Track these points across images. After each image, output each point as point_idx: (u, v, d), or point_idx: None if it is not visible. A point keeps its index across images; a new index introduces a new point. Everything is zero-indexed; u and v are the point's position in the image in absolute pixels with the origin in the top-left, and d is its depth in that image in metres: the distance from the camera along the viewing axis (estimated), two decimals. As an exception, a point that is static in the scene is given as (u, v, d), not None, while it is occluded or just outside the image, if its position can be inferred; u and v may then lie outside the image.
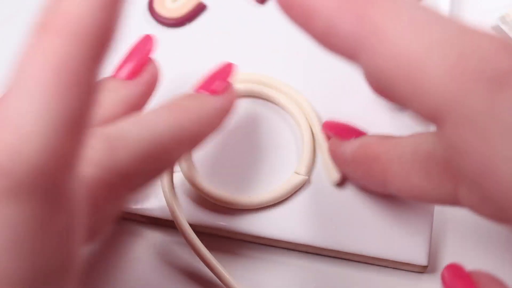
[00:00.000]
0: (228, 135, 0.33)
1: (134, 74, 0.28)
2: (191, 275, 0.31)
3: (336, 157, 0.30)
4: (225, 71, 0.29)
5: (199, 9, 0.36)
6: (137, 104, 0.28)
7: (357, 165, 0.28)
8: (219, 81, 0.28)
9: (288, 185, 0.31)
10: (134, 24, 0.37)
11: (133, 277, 0.31)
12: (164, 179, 0.31)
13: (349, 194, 0.31)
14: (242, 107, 0.34)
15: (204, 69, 0.35)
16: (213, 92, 0.27)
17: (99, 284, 0.31)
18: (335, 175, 0.31)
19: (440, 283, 0.30)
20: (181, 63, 0.35)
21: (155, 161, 0.24)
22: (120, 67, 0.28)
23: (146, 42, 0.29)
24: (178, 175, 0.32)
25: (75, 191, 0.18)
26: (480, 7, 0.37)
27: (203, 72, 0.35)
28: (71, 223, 0.18)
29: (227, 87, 0.28)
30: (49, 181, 0.16)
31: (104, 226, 0.24)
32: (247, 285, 0.31)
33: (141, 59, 0.28)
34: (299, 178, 0.31)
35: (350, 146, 0.28)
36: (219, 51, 0.35)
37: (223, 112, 0.28)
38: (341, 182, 0.31)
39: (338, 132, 0.30)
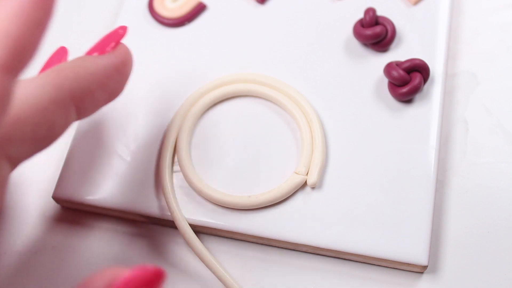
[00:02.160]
0: (228, 135, 0.33)
1: None
2: (191, 275, 0.31)
3: None
4: (116, 34, 0.28)
5: (199, 9, 0.36)
6: None
7: None
8: (108, 42, 0.28)
9: (288, 185, 0.31)
10: (134, 24, 0.37)
11: (133, 277, 0.31)
12: (164, 179, 0.31)
13: (349, 194, 0.31)
14: (242, 107, 0.34)
15: (204, 69, 0.35)
16: (101, 53, 0.27)
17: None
18: (313, 179, 0.31)
19: (440, 284, 0.30)
20: (181, 63, 0.35)
21: (34, 126, 0.23)
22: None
23: (60, 54, 0.29)
24: (178, 175, 0.32)
25: None
26: (480, 7, 0.37)
27: (203, 71, 0.35)
28: None
29: (116, 46, 0.28)
30: None
31: None
32: (247, 285, 0.31)
33: None
34: (299, 178, 0.31)
35: None
36: (219, 51, 0.35)
37: (113, 70, 0.27)
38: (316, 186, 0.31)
39: None
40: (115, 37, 0.28)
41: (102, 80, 0.26)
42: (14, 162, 0.23)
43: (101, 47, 0.27)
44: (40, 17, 0.19)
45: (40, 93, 0.24)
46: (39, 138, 0.24)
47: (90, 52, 0.27)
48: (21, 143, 0.23)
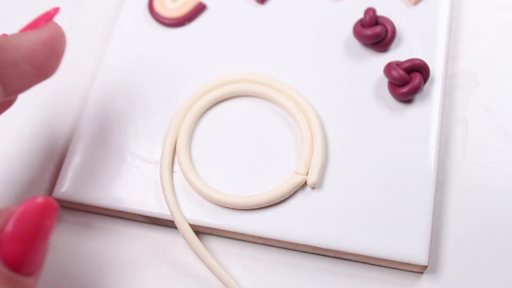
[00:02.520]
0: (228, 135, 0.33)
1: None
2: (191, 275, 0.31)
3: None
4: (47, 14, 0.28)
5: (199, 9, 0.37)
6: None
7: None
8: (39, 21, 0.28)
9: (288, 185, 0.31)
10: (134, 24, 0.37)
11: (133, 277, 0.31)
12: (164, 179, 0.31)
13: (349, 194, 0.31)
14: (242, 107, 0.34)
15: (204, 68, 0.35)
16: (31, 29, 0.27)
17: (99, 284, 0.31)
18: (313, 179, 0.31)
19: (440, 284, 0.30)
20: (181, 63, 0.35)
21: None
22: None
23: None
24: (178, 175, 0.32)
25: None
26: (480, 7, 0.37)
27: (203, 71, 0.35)
28: None
29: (45, 24, 0.28)
30: None
31: None
32: (247, 285, 0.31)
33: None
34: (299, 178, 0.31)
35: None
36: (219, 51, 0.35)
37: (40, 44, 0.27)
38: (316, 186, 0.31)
39: None
40: (46, 17, 0.28)
41: (27, 53, 0.26)
42: None
43: (32, 26, 0.28)
44: None
45: None
46: None
47: (22, 31, 0.27)
48: None
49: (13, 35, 0.26)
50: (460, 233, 0.31)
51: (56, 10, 0.28)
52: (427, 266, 0.30)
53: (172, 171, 0.32)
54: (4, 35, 0.29)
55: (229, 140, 0.33)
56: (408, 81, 0.32)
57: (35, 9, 0.40)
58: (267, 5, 0.37)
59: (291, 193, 0.31)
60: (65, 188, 0.32)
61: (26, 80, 0.26)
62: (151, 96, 0.34)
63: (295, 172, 0.31)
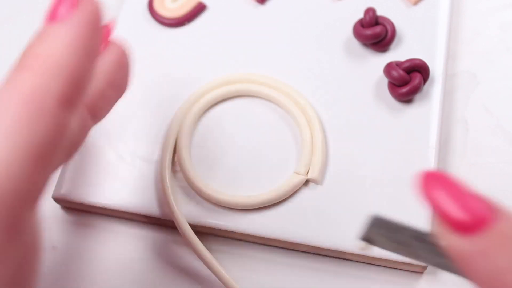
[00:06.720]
0: (228, 135, 0.33)
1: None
2: (191, 275, 0.31)
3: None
4: (107, 30, 0.26)
5: (199, 9, 0.37)
6: None
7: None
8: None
9: (288, 185, 0.31)
10: (134, 24, 0.37)
11: (133, 277, 0.31)
12: (164, 179, 0.31)
13: (349, 195, 0.31)
14: (242, 107, 0.34)
15: (204, 68, 0.35)
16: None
17: (99, 284, 0.31)
18: (313, 179, 0.31)
19: (439, 284, 0.30)
20: (181, 63, 0.35)
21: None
22: None
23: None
24: (178, 175, 0.32)
25: (33, 225, 0.18)
26: (480, 7, 0.37)
27: (204, 71, 0.35)
28: (28, 254, 0.18)
29: (110, 43, 0.26)
30: (6, 213, 0.17)
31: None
32: (247, 285, 0.31)
33: None
34: (299, 178, 0.31)
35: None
36: (219, 51, 0.35)
37: (117, 67, 0.25)
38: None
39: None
40: (105, 34, 0.26)
41: (108, 78, 0.25)
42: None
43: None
44: (92, 46, 0.18)
45: None
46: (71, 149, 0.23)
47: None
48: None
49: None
50: (460, 233, 0.31)
51: (111, 26, 0.27)
52: (427, 266, 0.30)
53: (172, 171, 0.32)
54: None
55: (229, 140, 0.33)
56: (408, 81, 0.32)
57: (35, 9, 0.40)
58: (267, 5, 0.37)
59: (291, 193, 0.31)
60: (65, 188, 0.32)
61: (111, 104, 0.26)
62: (151, 96, 0.34)
63: (295, 172, 0.31)
